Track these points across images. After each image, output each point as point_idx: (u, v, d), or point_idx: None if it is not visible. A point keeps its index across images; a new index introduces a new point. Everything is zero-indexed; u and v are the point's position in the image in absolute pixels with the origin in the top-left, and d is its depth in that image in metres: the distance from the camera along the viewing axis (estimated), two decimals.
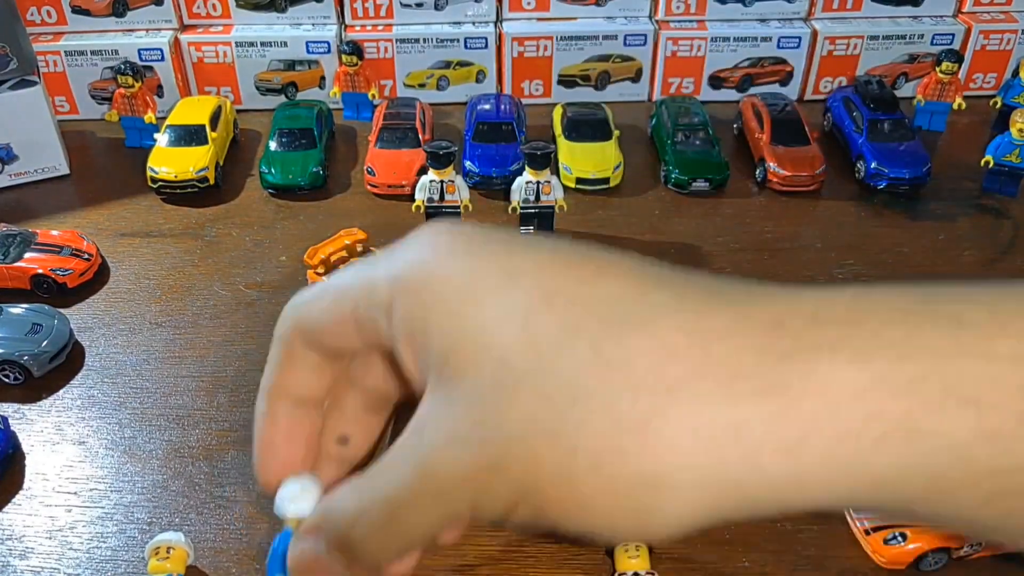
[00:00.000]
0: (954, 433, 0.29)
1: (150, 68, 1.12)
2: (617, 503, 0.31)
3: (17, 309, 0.79)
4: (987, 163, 0.96)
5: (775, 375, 0.30)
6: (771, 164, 0.99)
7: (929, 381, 0.29)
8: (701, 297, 0.32)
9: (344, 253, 0.84)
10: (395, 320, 0.35)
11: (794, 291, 0.32)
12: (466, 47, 1.14)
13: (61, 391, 0.75)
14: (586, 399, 0.30)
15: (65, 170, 1.04)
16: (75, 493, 0.67)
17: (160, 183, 0.98)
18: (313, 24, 1.15)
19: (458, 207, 0.90)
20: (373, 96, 1.13)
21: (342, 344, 0.39)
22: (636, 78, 1.17)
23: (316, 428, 0.40)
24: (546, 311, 0.32)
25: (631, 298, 0.32)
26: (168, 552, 0.58)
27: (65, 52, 1.10)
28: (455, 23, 1.15)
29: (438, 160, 0.88)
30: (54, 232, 0.89)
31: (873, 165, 0.98)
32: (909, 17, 1.16)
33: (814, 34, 1.14)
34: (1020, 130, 0.94)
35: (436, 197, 0.89)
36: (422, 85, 1.17)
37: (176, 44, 1.13)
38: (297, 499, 0.37)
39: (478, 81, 1.17)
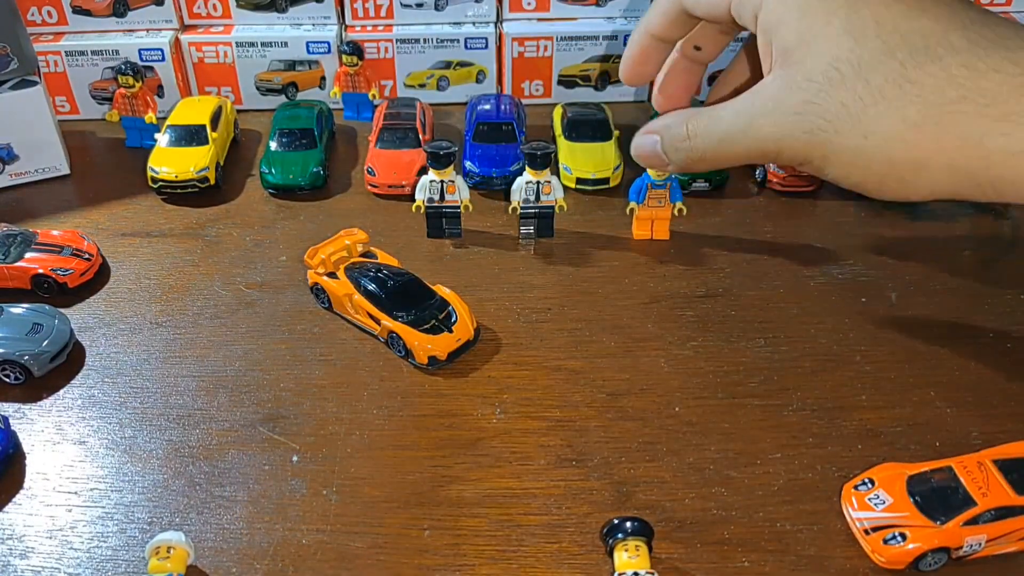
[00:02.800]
0: None
1: (151, 68, 1.12)
2: (891, 174, 0.50)
3: (18, 309, 0.79)
4: None
5: (1015, 106, 0.47)
6: (771, 164, 0.99)
7: None
8: (986, 43, 0.49)
9: (344, 253, 0.84)
10: (759, 12, 0.54)
11: None
12: (466, 47, 1.15)
13: (61, 391, 0.76)
14: (886, 103, 0.49)
15: (65, 170, 1.04)
16: (75, 493, 0.67)
17: (160, 183, 0.99)
18: (313, 24, 1.15)
19: (458, 207, 0.90)
20: (373, 96, 1.13)
21: (713, 16, 0.59)
22: None
23: (663, 59, 0.65)
24: (874, 35, 0.50)
25: (937, 36, 0.49)
26: (168, 552, 0.58)
27: (66, 52, 1.11)
28: (455, 23, 1.15)
29: (438, 160, 0.88)
30: (55, 232, 0.89)
31: None
32: None
33: None
34: None
35: (436, 197, 0.89)
36: (422, 85, 1.17)
37: (177, 44, 1.13)
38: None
39: (478, 81, 1.17)
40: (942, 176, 0.52)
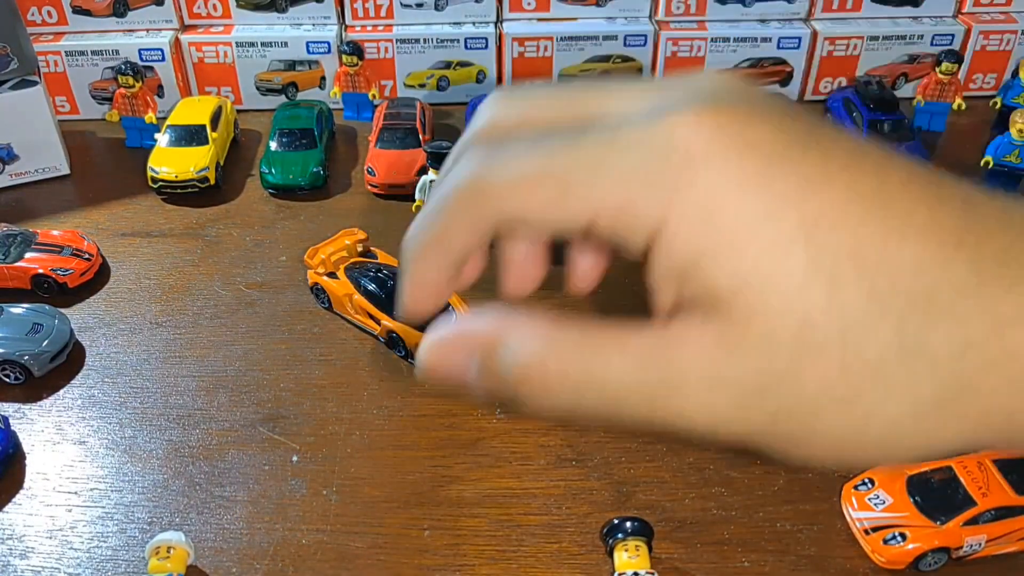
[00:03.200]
0: None
1: (151, 68, 1.12)
2: (882, 457, 0.33)
3: (18, 309, 0.79)
4: (987, 163, 0.96)
5: None
6: None
7: None
8: (997, 268, 0.32)
9: (344, 253, 0.84)
10: (666, 234, 0.32)
11: None
12: (466, 47, 1.15)
13: (62, 391, 0.76)
14: (889, 383, 0.32)
15: (66, 170, 1.04)
16: (75, 493, 0.67)
17: (160, 183, 0.99)
18: (313, 24, 1.15)
19: None
20: (373, 96, 1.13)
21: (561, 232, 0.35)
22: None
23: (454, 284, 0.37)
24: (854, 278, 0.32)
25: (935, 271, 0.32)
26: (169, 552, 0.58)
27: (66, 52, 1.10)
28: (455, 23, 1.15)
29: (438, 160, 0.88)
30: (55, 232, 0.89)
31: None
32: (909, 18, 1.16)
33: (814, 35, 1.14)
34: (1020, 130, 0.94)
35: None
36: (422, 85, 1.17)
37: (177, 44, 1.13)
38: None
39: (478, 81, 1.17)
40: (945, 451, 0.33)
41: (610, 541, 0.60)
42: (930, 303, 0.32)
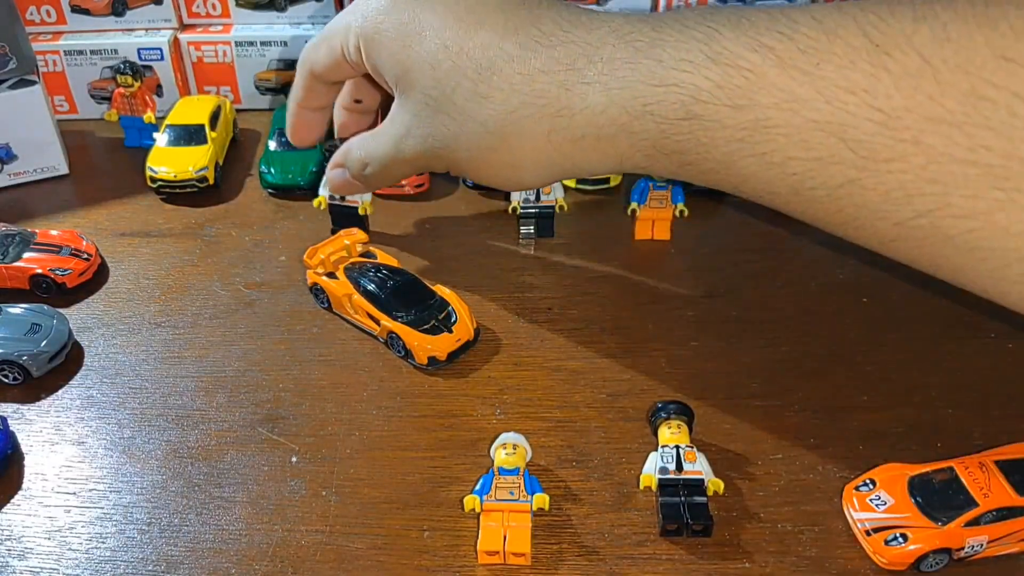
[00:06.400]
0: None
1: (149, 68, 1.11)
2: (500, 174, 0.57)
3: (16, 309, 0.79)
4: None
5: (566, 101, 0.52)
6: None
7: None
8: (535, 44, 0.52)
9: (344, 253, 0.84)
10: (364, 58, 0.61)
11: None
12: None
13: (60, 391, 0.75)
14: (469, 119, 0.55)
15: (64, 170, 1.04)
16: (74, 493, 0.66)
17: (159, 183, 0.98)
18: (313, 23, 1.15)
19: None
20: None
21: (342, 77, 0.68)
22: None
23: (325, 120, 0.76)
24: (445, 59, 0.55)
25: (495, 47, 0.53)
26: (514, 449, 0.63)
27: (64, 51, 1.10)
28: None
29: None
30: (53, 232, 0.89)
31: None
32: None
33: None
34: None
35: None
36: None
37: (175, 43, 1.12)
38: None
39: None
40: (538, 170, 0.56)
41: (655, 420, 0.67)
42: (491, 67, 0.53)
